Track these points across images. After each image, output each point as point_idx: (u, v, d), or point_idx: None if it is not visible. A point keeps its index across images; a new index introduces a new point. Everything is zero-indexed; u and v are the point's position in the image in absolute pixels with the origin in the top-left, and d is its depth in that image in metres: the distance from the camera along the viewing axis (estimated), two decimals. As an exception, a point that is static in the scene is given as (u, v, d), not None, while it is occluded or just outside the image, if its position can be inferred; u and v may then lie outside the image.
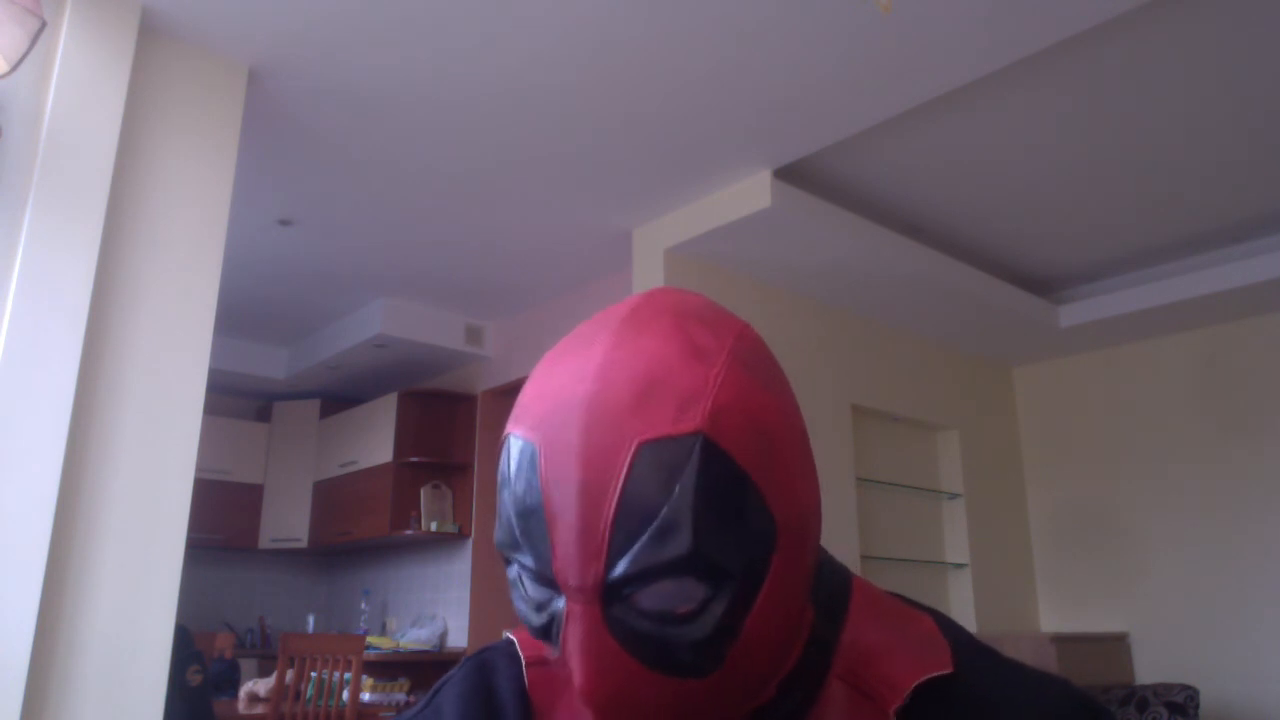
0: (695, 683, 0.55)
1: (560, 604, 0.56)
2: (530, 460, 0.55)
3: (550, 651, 0.58)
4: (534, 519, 0.55)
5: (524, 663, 0.69)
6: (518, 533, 0.56)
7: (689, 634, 0.53)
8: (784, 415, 0.58)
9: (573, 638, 0.54)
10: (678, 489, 0.52)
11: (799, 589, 0.58)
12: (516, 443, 0.57)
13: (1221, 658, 4.28)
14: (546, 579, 0.55)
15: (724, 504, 0.53)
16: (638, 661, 0.54)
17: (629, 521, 0.52)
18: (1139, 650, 4.56)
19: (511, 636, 0.72)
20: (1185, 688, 3.88)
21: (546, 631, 0.57)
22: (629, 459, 0.53)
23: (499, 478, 0.59)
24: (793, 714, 0.61)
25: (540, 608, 0.57)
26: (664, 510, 0.52)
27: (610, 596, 0.53)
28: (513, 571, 0.59)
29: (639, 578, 0.52)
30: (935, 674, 0.61)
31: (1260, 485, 4.29)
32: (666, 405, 0.54)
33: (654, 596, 0.53)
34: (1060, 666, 4.10)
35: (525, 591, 0.58)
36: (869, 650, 0.63)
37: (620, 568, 0.52)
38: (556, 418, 0.55)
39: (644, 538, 0.52)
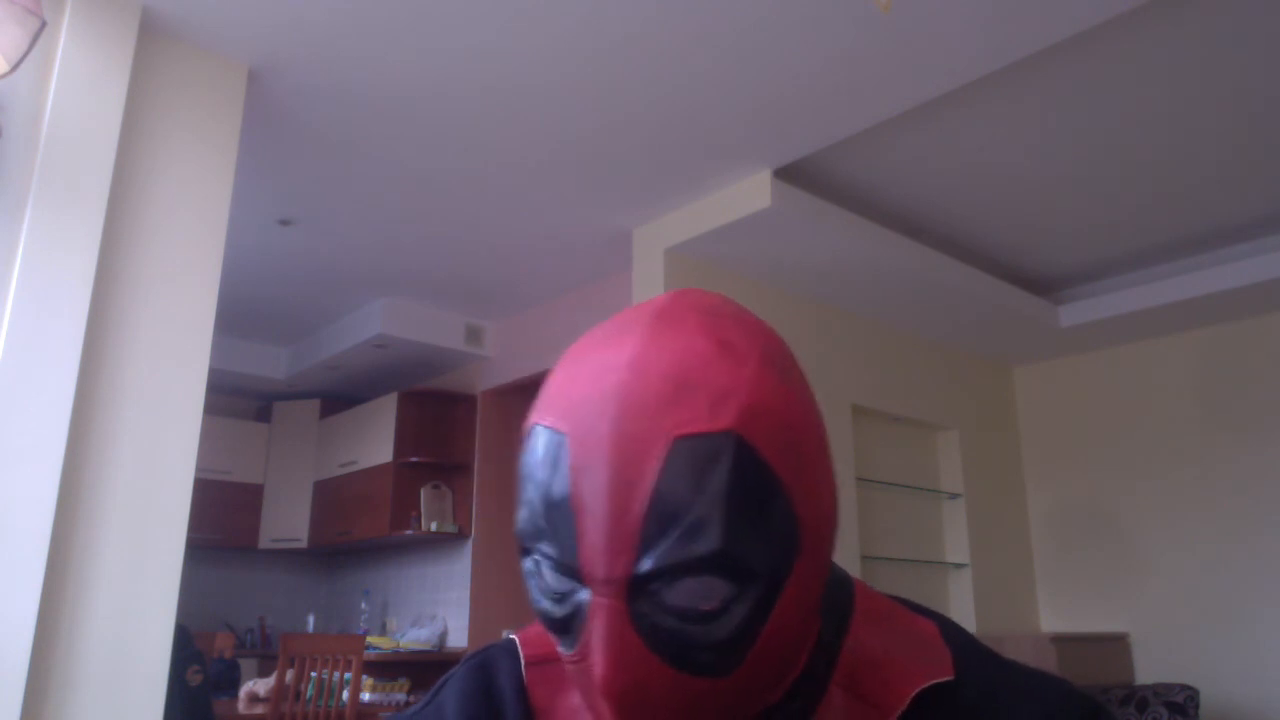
0: (713, 681, 0.54)
1: (583, 596, 0.55)
2: (559, 450, 0.55)
3: (563, 645, 0.58)
4: (561, 509, 0.54)
5: (523, 662, 0.69)
6: (543, 522, 0.55)
7: (711, 633, 0.53)
8: (810, 418, 0.58)
9: (596, 630, 0.53)
10: (709, 486, 0.52)
11: (816, 593, 0.58)
12: (543, 432, 0.56)
13: (1221, 658, 4.28)
14: (571, 570, 0.54)
15: (753, 503, 0.53)
16: (659, 658, 0.53)
17: (660, 517, 0.52)
18: (1139, 650, 4.56)
19: (513, 636, 0.72)
20: (1185, 688, 3.88)
21: (566, 624, 0.56)
22: (663, 454, 0.52)
23: (522, 468, 0.58)
24: (794, 718, 0.61)
25: (561, 599, 0.56)
26: (695, 507, 0.52)
27: (635, 591, 0.53)
28: (529, 563, 0.58)
29: (666, 573, 0.52)
30: (936, 681, 0.61)
31: (1261, 485, 4.29)
32: (700, 401, 0.53)
33: (679, 593, 0.52)
34: (1060, 666, 4.10)
35: (545, 583, 0.57)
36: (870, 657, 0.63)
37: (648, 562, 0.52)
38: (587, 408, 0.54)
39: (674, 534, 0.52)
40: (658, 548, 0.52)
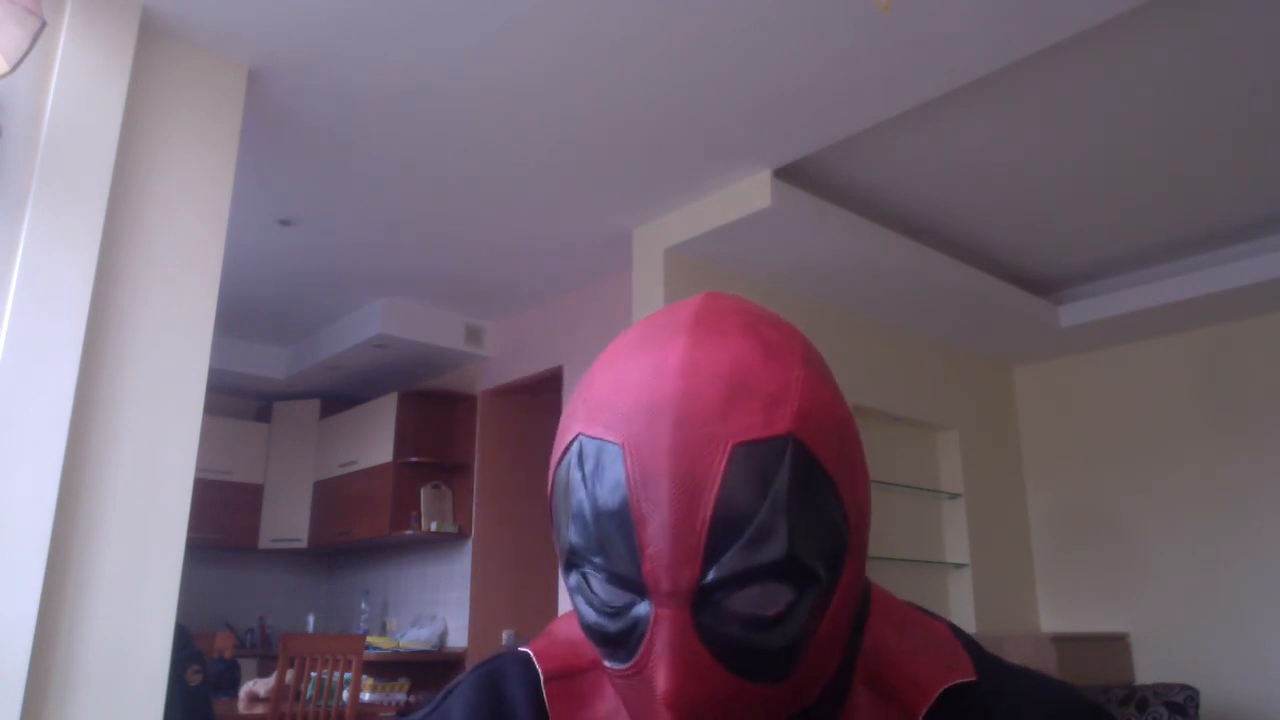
0: (770, 688, 0.54)
1: (642, 609, 0.54)
2: (613, 460, 0.53)
3: (614, 660, 0.56)
4: (618, 522, 0.53)
5: (542, 677, 0.67)
6: (596, 536, 0.54)
7: (773, 639, 0.53)
8: (849, 416, 0.58)
9: (660, 643, 0.52)
10: (772, 492, 0.52)
11: (858, 593, 0.58)
12: (591, 443, 0.55)
13: (1221, 658, 4.28)
14: (631, 584, 0.53)
15: (812, 506, 0.53)
16: (723, 666, 0.53)
17: (725, 525, 0.51)
18: (1139, 650, 4.56)
19: (525, 649, 0.70)
20: (1185, 688, 3.88)
21: (622, 639, 0.55)
22: (724, 461, 0.51)
23: (565, 481, 0.56)
24: (824, 718, 0.61)
25: (617, 614, 0.55)
26: (760, 513, 0.51)
27: (699, 601, 0.52)
28: (575, 578, 0.57)
29: (732, 581, 0.51)
30: (961, 680, 0.62)
31: (1260, 485, 4.29)
32: (756, 406, 0.53)
33: (743, 600, 0.52)
34: (1060, 666, 4.10)
35: (598, 597, 0.56)
36: (891, 655, 0.63)
37: (715, 571, 0.51)
38: (642, 417, 0.53)
39: (740, 541, 0.51)
40: (724, 556, 0.51)
